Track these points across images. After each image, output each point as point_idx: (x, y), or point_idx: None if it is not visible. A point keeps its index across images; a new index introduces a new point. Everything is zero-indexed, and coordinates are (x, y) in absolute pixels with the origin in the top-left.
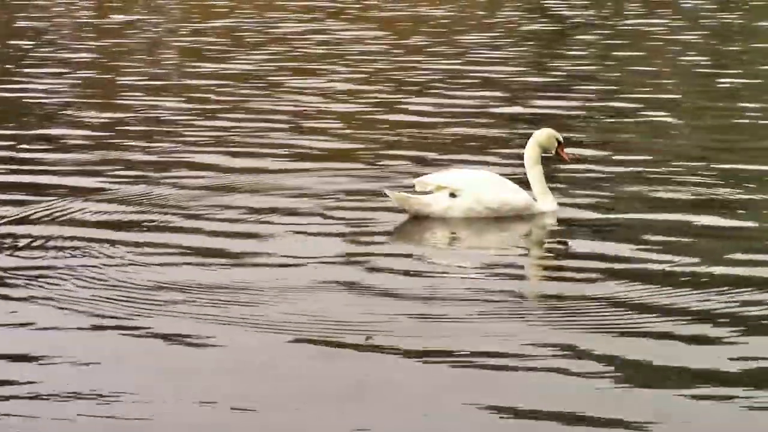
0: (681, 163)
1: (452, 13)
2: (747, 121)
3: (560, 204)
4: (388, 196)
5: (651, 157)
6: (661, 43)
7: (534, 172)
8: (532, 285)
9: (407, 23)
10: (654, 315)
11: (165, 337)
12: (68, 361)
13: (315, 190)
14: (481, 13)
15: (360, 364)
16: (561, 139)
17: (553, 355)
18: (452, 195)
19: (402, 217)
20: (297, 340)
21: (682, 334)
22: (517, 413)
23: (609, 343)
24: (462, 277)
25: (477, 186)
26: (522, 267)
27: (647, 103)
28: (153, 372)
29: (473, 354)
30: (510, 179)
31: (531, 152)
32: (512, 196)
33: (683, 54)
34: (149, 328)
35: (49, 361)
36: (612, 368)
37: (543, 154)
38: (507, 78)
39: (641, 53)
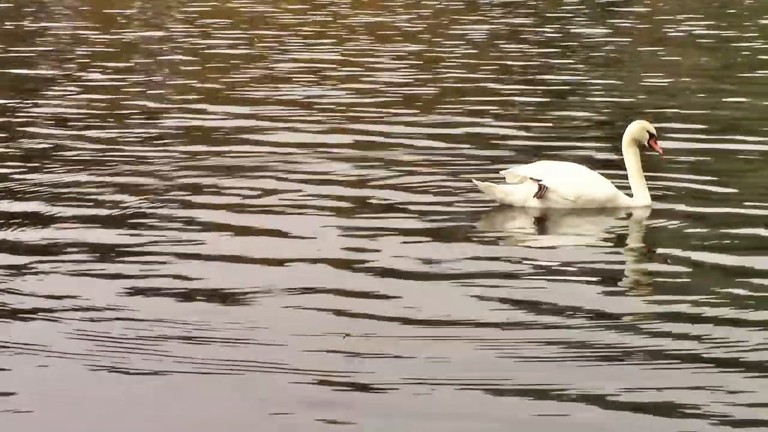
0: None
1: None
2: None
3: (656, 198)
4: (476, 185)
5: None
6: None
7: (630, 166)
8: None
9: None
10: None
11: None
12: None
13: (402, 180)
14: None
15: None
16: (653, 130)
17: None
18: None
19: (487, 206)
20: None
21: None
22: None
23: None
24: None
25: (557, 177)
26: (588, 263)
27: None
28: None
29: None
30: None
31: (626, 146)
32: (592, 188)
33: None
34: None
35: None
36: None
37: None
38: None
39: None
